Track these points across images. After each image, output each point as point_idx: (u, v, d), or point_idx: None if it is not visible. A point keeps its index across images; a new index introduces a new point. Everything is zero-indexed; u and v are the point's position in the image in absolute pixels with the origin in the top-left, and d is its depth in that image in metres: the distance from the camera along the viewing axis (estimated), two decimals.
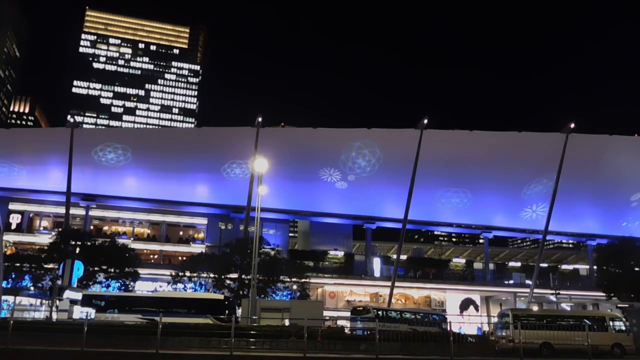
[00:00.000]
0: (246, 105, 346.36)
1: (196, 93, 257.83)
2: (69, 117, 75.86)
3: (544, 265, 77.75)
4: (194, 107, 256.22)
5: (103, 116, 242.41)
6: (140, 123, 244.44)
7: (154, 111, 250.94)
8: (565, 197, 64.46)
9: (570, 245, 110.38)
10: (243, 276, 52.33)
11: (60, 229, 59.97)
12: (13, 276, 51.40)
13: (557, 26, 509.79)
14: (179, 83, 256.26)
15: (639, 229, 71.81)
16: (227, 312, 40.16)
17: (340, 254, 76.00)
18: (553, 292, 62.42)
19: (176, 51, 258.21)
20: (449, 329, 27.62)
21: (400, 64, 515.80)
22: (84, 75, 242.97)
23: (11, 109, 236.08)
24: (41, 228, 72.84)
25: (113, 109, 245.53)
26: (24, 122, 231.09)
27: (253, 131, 60.26)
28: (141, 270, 57.15)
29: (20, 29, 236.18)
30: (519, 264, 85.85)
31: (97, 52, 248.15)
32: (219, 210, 72.31)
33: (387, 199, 69.96)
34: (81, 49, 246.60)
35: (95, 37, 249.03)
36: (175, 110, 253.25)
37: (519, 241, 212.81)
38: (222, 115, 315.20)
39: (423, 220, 75.48)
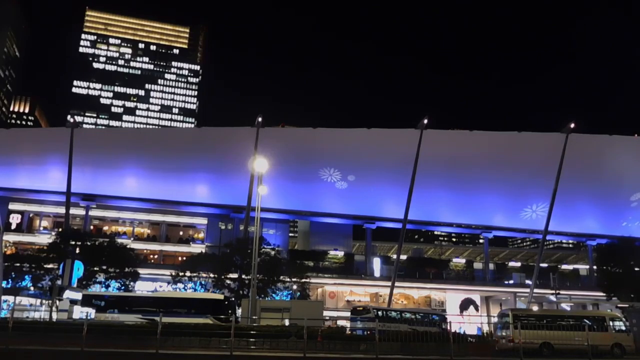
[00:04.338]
0: (246, 105, 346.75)
1: (196, 93, 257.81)
2: (69, 117, 75.90)
3: (544, 265, 77.74)
4: (194, 107, 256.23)
5: (103, 116, 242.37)
6: (140, 123, 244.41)
7: (154, 111, 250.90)
8: (565, 197, 64.44)
9: (570, 245, 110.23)
10: (243, 276, 52.35)
11: (60, 229, 60.02)
12: (13, 276, 51.39)
13: (557, 26, 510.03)
14: (179, 83, 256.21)
15: (639, 229, 71.79)
16: (227, 312, 40.17)
17: (340, 254, 76.03)
18: (553, 292, 62.43)
19: (176, 51, 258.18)
20: (449, 329, 27.62)
21: (400, 64, 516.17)
22: (84, 75, 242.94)
23: (11, 109, 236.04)
24: (41, 228, 72.85)
25: (113, 109, 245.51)
26: (24, 122, 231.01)
27: (253, 131, 60.28)
28: (141, 270, 57.16)
29: (20, 29, 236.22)
30: (519, 264, 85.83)
31: (97, 52, 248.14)
32: (219, 210, 72.31)
33: (387, 199, 69.97)
34: (81, 49, 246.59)
35: (95, 37, 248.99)
36: (175, 110, 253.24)
37: (519, 241, 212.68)
38: (222, 115, 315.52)
39: (423, 220, 75.47)
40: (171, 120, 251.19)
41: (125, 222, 76.61)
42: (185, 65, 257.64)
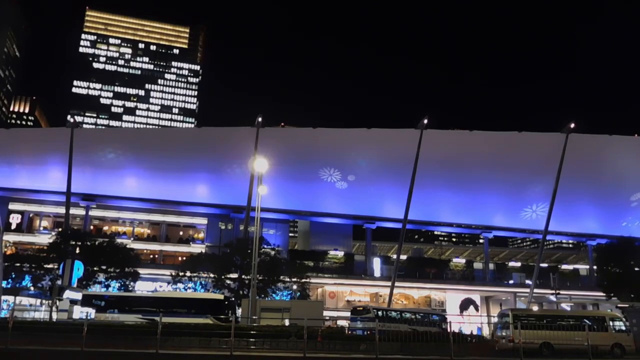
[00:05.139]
0: (246, 105, 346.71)
1: (196, 93, 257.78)
2: (69, 117, 76.05)
3: (544, 265, 77.77)
4: (194, 107, 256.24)
5: (103, 116, 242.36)
6: (140, 123, 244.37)
7: (154, 111, 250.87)
8: (565, 197, 64.46)
9: (570, 245, 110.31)
10: (243, 276, 52.36)
11: (60, 229, 60.00)
12: (13, 276, 51.41)
13: (557, 26, 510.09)
14: (179, 83, 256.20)
15: (639, 229, 71.81)
16: (227, 312, 40.18)
17: (340, 254, 76.04)
18: (553, 292, 62.40)
19: (176, 51, 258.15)
20: (449, 329, 27.60)
21: (400, 64, 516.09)
22: (84, 75, 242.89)
23: (11, 109, 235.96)
24: (41, 228, 72.85)
25: (113, 109, 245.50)
26: (24, 122, 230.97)
27: (253, 131, 60.30)
28: (141, 270, 57.19)
29: (20, 29, 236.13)
30: (519, 264, 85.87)
31: (97, 52, 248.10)
32: (219, 210, 72.32)
33: (387, 199, 69.99)
34: (81, 49, 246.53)
35: (95, 37, 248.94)
36: (175, 110, 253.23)
37: (519, 241, 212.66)
38: (222, 115, 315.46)
39: (423, 220, 75.51)
40: (171, 120, 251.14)
41: (125, 222, 76.60)
42: (185, 65, 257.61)
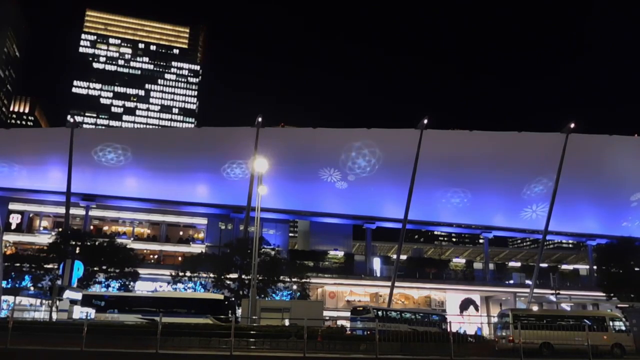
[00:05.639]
0: (246, 105, 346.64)
1: (196, 93, 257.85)
2: (69, 117, 75.96)
3: (544, 265, 77.76)
4: (194, 107, 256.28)
5: (103, 116, 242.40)
6: (140, 123, 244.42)
7: (154, 111, 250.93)
8: (565, 197, 64.47)
9: (570, 245, 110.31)
10: (243, 276, 52.36)
11: (60, 229, 59.98)
12: (13, 276, 51.41)
13: (557, 26, 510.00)
14: (179, 83, 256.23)
15: (639, 229, 71.81)
16: (227, 312, 40.19)
17: (340, 254, 76.05)
18: (553, 292, 62.40)
19: (176, 51, 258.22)
20: (449, 329, 27.62)
21: (400, 63, 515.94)
22: (84, 75, 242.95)
23: (11, 109, 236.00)
24: (41, 228, 72.85)
25: (113, 109, 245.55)
26: (24, 122, 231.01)
27: (253, 131, 60.30)
28: (141, 270, 57.18)
29: (20, 29, 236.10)
30: (519, 264, 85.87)
31: (97, 52, 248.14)
32: (219, 210, 72.31)
33: (387, 199, 69.98)
34: (81, 49, 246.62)
35: (95, 37, 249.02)
36: (175, 110, 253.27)
37: (519, 241, 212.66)
38: (222, 115, 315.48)
39: (423, 220, 75.50)
40: (171, 120, 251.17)
41: (125, 222, 76.58)
42: (185, 65, 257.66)
